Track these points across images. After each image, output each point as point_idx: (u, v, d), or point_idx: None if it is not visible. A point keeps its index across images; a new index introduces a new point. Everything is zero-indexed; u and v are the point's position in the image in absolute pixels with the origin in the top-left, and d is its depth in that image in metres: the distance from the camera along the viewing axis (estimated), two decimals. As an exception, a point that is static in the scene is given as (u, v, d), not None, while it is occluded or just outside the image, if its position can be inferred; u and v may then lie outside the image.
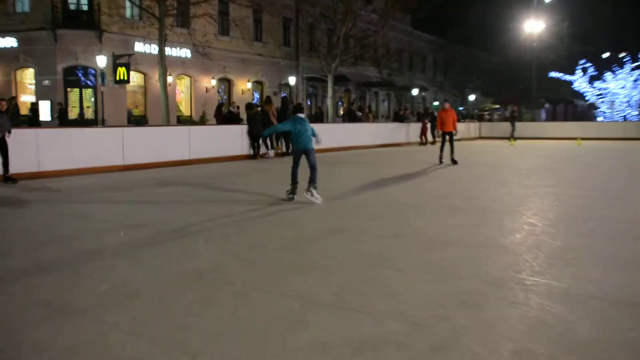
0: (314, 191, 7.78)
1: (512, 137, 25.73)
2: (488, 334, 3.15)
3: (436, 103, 42.71)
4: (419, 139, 24.27)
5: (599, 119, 38.43)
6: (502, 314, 3.46)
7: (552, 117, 40.97)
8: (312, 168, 7.79)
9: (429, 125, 24.11)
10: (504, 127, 28.94)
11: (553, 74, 41.95)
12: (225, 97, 29.90)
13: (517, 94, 44.91)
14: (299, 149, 7.89)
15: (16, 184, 10.11)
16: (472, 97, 49.47)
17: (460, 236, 5.69)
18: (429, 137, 24.08)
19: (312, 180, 7.77)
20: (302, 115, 7.93)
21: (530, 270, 4.41)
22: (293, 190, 7.99)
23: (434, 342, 3.05)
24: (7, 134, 10.16)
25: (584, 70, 41.04)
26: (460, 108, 44.30)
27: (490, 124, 32.99)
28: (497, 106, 42.30)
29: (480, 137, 30.81)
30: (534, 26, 34.70)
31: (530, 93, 35.86)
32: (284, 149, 17.11)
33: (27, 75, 24.45)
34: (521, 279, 4.18)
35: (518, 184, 10.02)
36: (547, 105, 40.49)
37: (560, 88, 47.64)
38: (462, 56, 45.93)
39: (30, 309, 3.56)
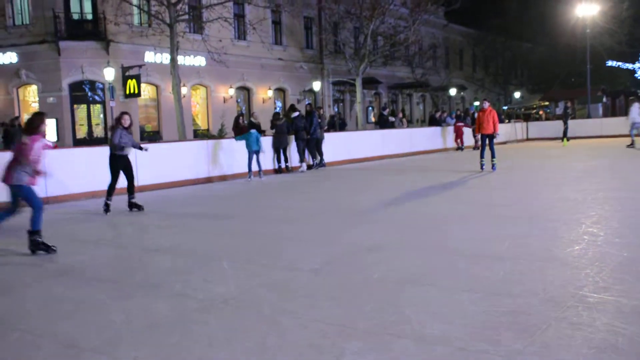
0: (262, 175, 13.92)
1: (564, 136, 25.33)
2: (547, 359, 3.10)
3: (477, 103, 42.40)
4: (455, 144, 24.14)
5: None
6: (563, 337, 3.39)
7: (611, 112, 40.12)
8: (258, 161, 14.22)
9: (465, 129, 24.04)
10: (553, 126, 28.54)
11: (611, 63, 41.11)
12: (244, 107, 30.25)
13: (568, 88, 44.20)
14: (250, 150, 14.05)
15: (142, 211, 9.65)
16: (517, 95, 48.94)
17: (509, 249, 5.62)
18: (468, 142, 23.95)
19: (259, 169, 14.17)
20: (252, 131, 14.35)
21: (594, 286, 4.33)
22: (249, 176, 14.08)
23: (486, 369, 3.02)
24: (142, 149, 10.30)
25: (649, 57, 40.11)
26: (505, 107, 43.86)
27: (539, 124, 32.55)
28: (547, 103, 41.71)
29: (528, 139, 30.43)
30: (586, 9, 34.11)
31: (584, 86, 35.25)
32: (311, 162, 17.18)
33: (30, 93, 25.11)
34: (583, 296, 4.10)
35: (573, 189, 9.85)
36: (604, 99, 39.71)
37: (619, 79, 46.74)
38: (505, 49, 45.55)
39: (43, 346, 3.65)
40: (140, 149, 10.32)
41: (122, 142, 9.48)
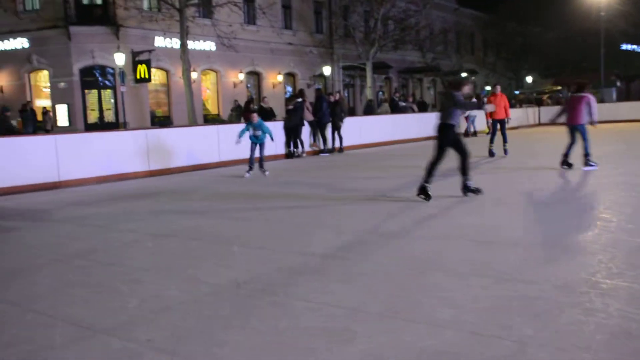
0: (266, 172, 11.84)
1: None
2: (559, 344, 3.09)
3: (488, 88, 42.06)
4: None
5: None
6: (575, 322, 3.39)
7: (626, 96, 39.70)
8: (260, 157, 11.85)
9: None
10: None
11: (625, 47, 40.58)
12: (254, 92, 30.22)
13: (581, 73, 43.76)
14: (253, 142, 11.77)
15: (481, 194, 7.91)
16: (529, 79, 48.49)
17: (521, 235, 5.61)
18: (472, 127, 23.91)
19: (260, 165, 11.89)
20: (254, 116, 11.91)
21: (607, 272, 4.31)
22: (249, 171, 11.81)
23: (498, 353, 3.02)
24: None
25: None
26: (516, 92, 43.49)
27: (551, 109, 32.33)
28: (559, 87, 41.32)
29: (540, 124, 30.19)
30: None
31: (598, 70, 34.88)
32: (321, 146, 17.16)
33: (42, 78, 25.22)
34: (596, 282, 4.08)
35: (586, 174, 9.79)
36: (618, 83, 39.29)
37: (634, 62, 46.17)
38: (516, 33, 45.04)
39: (58, 327, 3.69)
40: (467, 119, 9.01)
41: (453, 114, 7.73)
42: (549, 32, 45.01)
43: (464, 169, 7.85)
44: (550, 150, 15.43)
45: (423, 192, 7.73)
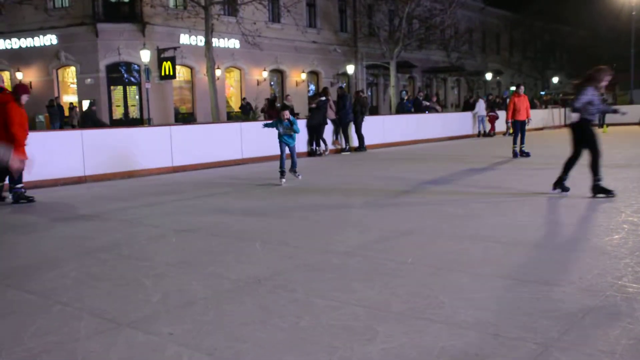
0: (299, 175, 10.77)
1: (602, 123, 24.85)
2: (584, 348, 3.06)
3: (513, 88, 41.60)
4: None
5: None
6: (600, 326, 3.34)
7: (657, 97, 38.98)
8: (293, 160, 10.65)
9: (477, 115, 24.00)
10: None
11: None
12: (277, 90, 30.34)
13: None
14: (282, 142, 10.56)
15: (612, 196, 7.50)
16: (555, 79, 47.86)
17: (545, 237, 5.55)
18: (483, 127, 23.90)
19: (292, 168, 10.68)
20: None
21: (634, 276, 4.24)
22: (282, 176, 10.46)
23: (521, 356, 2.99)
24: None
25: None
26: (542, 92, 42.95)
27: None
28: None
29: (566, 125, 29.81)
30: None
31: (628, 71, 34.28)
32: (344, 145, 17.16)
33: (69, 74, 25.66)
34: (622, 285, 4.02)
35: (613, 177, 9.62)
36: (649, 84, 38.61)
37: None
38: (543, 32, 44.47)
39: (84, 320, 3.75)
40: (615, 112, 8.35)
41: (588, 108, 7.30)
42: (578, 31, 44.41)
43: (594, 168, 7.52)
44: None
45: (560, 187, 7.95)
